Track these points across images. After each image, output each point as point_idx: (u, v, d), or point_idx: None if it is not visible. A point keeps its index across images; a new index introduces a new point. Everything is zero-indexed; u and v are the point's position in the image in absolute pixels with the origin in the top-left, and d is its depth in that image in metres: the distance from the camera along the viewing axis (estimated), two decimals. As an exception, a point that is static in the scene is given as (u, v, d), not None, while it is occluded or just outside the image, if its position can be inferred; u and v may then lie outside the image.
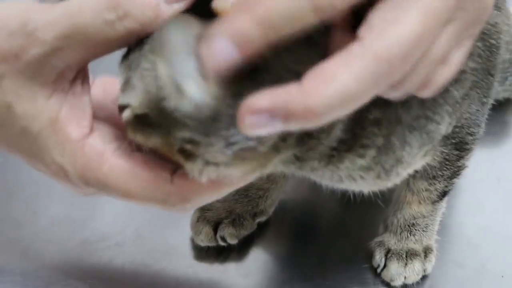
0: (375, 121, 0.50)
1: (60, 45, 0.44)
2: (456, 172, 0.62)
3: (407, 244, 0.66)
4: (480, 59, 0.56)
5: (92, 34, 0.43)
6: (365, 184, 0.56)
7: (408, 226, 0.66)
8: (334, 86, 0.37)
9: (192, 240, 0.69)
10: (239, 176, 0.46)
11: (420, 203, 0.64)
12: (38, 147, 0.46)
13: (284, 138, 0.46)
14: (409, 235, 0.66)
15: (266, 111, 0.38)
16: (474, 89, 0.57)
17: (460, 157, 0.61)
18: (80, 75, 0.47)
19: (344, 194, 0.63)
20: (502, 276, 0.66)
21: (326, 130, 0.48)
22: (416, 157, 0.55)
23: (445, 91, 0.52)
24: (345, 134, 0.49)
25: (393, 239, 0.67)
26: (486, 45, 0.57)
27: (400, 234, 0.67)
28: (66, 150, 0.45)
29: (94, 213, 0.72)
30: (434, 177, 0.62)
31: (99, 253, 0.69)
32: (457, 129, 0.58)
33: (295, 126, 0.39)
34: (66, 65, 0.45)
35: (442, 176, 0.62)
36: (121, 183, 0.46)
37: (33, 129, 0.45)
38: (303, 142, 0.48)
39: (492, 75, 0.59)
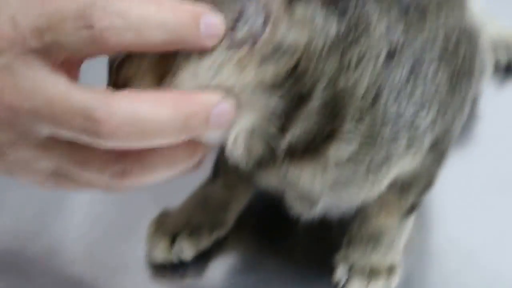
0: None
1: None
2: (428, 185, 0.62)
3: (371, 259, 0.65)
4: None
5: None
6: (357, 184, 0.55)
7: (374, 239, 0.65)
8: None
9: (147, 256, 0.67)
10: None
11: (388, 215, 0.63)
12: None
13: None
14: (373, 249, 0.65)
15: None
16: (460, 77, 0.58)
17: (437, 168, 0.61)
18: None
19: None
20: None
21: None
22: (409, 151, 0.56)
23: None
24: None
25: (357, 253, 0.65)
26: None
27: (365, 247, 0.65)
28: None
29: (43, 228, 0.70)
30: (408, 189, 0.61)
31: (49, 270, 0.66)
32: (444, 137, 0.59)
33: None
34: None
35: (416, 187, 0.61)
36: None
37: None
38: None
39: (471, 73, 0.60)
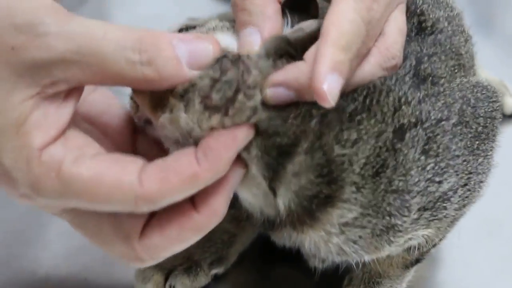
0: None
1: (70, 60, 0.43)
2: (438, 243, 0.61)
3: None
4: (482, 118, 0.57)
5: (108, 65, 0.44)
6: (364, 245, 0.53)
7: (373, 283, 0.63)
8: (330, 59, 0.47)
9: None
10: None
11: (391, 265, 0.62)
12: None
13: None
14: None
15: (282, 84, 0.47)
16: (482, 139, 0.56)
17: (451, 229, 0.60)
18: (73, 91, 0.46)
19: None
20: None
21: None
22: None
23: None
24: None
25: None
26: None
27: None
28: (22, 156, 0.43)
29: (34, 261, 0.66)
30: (416, 248, 0.59)
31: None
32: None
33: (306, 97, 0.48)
34: (65, 78, 0.44)
35: (425, 248, 0.59)
36: (83, 192, 0.44)
37: None
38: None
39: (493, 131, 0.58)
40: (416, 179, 0.52)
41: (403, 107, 0.52)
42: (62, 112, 0.45)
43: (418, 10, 0.59)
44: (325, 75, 0.46)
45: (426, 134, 0.52)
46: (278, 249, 0.63)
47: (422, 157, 0.52)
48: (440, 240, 0.60)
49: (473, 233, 0.73)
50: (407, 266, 0.62)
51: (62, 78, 0.44)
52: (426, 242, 0.58)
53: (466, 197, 0.56)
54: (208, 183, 0.46)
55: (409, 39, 0.55)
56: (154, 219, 0.47)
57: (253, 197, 0.52)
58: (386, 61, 0.53)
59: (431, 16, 0.59)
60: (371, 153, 0.50)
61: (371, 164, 0.50)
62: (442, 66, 0.56)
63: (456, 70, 0.57)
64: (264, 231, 0.57)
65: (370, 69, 0.52)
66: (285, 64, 0.49)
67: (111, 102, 0.52)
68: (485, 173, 0.58)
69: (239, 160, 0.48)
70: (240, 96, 0.47)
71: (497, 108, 0.59)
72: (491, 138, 0.58)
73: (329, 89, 0.46)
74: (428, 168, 0.52)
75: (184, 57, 0.46)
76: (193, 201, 0.47)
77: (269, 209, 0.53)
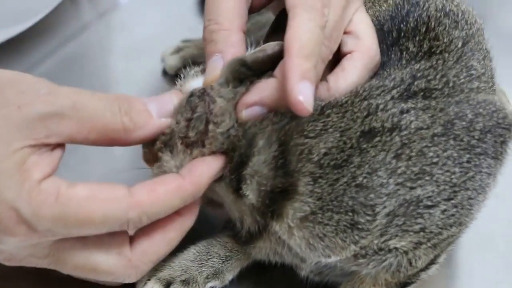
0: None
1: (65, 114, 0.51)
2: (426, 268, 0.60)
3: None
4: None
5: (97, 117, 0.53)
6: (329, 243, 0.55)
7: None
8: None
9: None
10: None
11: (374, 285, 0.61)
12: None
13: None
14: None
15: (256, 103, 0.54)
16: (476, 154, 0.57)
17: (438, 256, 0.60)
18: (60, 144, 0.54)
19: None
20: None
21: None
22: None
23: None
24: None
25: None
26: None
27: None
28: (25, 188, 0.50)
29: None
30: (398, 271, 0.58)
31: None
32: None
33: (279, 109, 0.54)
34: (57, 132, 0.52)
35: (409, 270, 0.59)
36: (81, 209, 0.50)
37: None
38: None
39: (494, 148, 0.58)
40: (384, 180, 0.53)
41: (379, 113, 0.54)
42: (54, 156, 0.53)
43: (432, 34, 0.60)
44: (298, 85, 0.50)
45: (401, 141, 0.54)
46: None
47: (393, 161, 0.53)
48: (431, 264, 0.60)
49: (465, 248, 0.74)
50: None
51: (55, 132, 0.52)
52: (410, 263, 0.57)
53: (452, 215, 0.56)
54: (191, 197, 0.53)
55: (414, 61, 0.58)
56: (138, 230, 0.54)
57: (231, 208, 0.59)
58: (371, 61, 0.58)
59: (445, 40, 0.60)
60: (334, 145, 0.53)
61: (333, 155, 0.53)
62: (437, 77, 0.57)
63: (462, 81, 0.58)
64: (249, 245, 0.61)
65: (358, 73, 0.57)
66: (248, 85, 0.54)
67: None
68: (476, 190, 0.57)
69: None
70: (211, 126, 0.54)
71: (506, 126, 0.59)
72: (490, 154, 0.57)
73: (304, 99, 0.50)
74: (399, 171, 0.53)
75: (154, 110, 0.55)
76: None
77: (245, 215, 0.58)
